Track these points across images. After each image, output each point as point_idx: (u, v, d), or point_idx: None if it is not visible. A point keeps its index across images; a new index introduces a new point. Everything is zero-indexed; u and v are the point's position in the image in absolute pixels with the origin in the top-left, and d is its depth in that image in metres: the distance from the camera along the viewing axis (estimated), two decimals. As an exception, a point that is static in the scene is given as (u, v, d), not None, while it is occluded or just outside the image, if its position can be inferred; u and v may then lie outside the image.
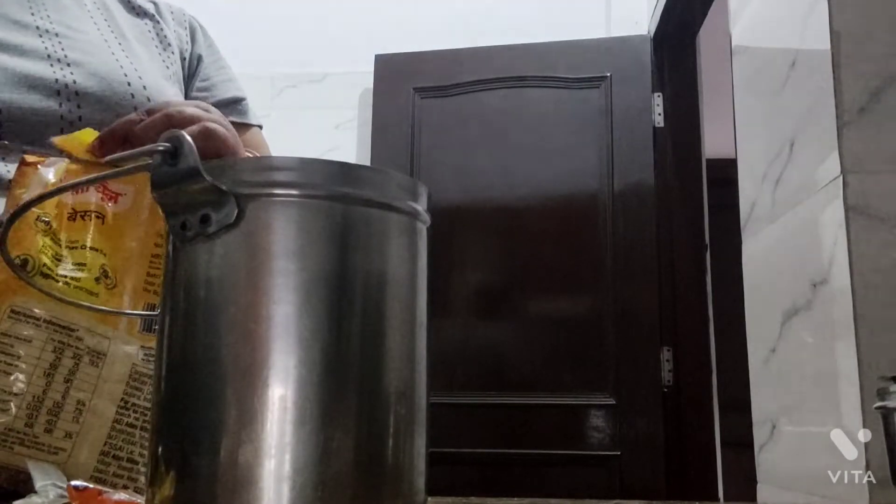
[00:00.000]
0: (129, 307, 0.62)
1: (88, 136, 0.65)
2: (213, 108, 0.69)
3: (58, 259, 0.61)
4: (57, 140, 0.65)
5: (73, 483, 0.48)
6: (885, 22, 0.98)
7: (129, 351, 0.62)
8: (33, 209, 0.60)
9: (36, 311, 0.59)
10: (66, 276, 0.60)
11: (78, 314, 0.60)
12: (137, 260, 0.64)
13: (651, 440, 2.23)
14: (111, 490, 0.49)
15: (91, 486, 0.48)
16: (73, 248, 0.62)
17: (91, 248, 0.62)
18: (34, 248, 0.59)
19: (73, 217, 0.62)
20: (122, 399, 0.61)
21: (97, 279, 0.62)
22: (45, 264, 0.60)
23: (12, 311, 0.59)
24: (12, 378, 0.58)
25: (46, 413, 0.59)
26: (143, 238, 0.64)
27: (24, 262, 0.59)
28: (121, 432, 0.61)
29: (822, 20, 1.00)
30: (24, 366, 0.58)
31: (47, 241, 0.60)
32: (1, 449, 0.58)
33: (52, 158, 0.63)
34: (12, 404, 0.58)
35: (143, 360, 0.62)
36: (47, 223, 0.61)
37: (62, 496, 0.51)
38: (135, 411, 0.61)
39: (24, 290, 0.58)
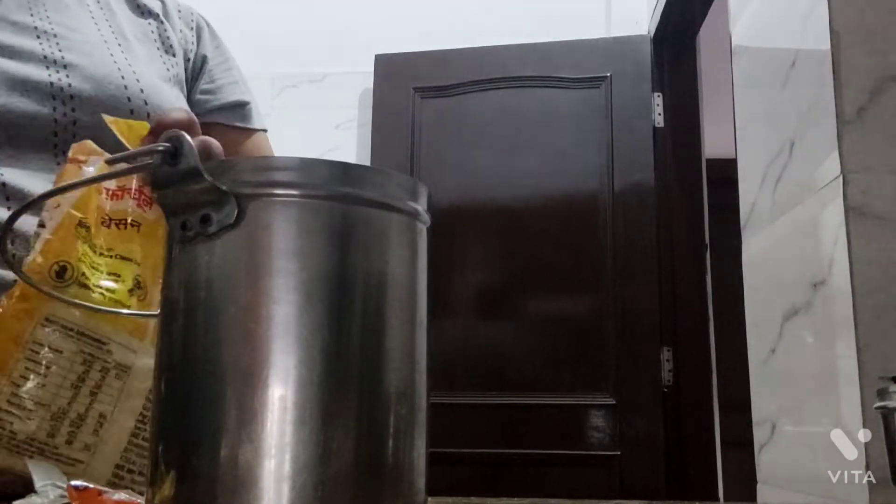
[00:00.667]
0: (154, 324, 0.61)
1: (143, 129, 0.63)
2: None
3: (94, 268, 0.60)
4: (109, 120, 0.64)
5: (73, 483, 0.48)
6: (885, 22, 0.98)
7: (153, 365, 0.62)
8: (75, 213, 0.59)
9: (70, 320, 0.58)
10: (101, 288, 0.59)
11: (109, 327, 0.60)
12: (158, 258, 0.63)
13: (651, 440, 2.23)
14: (111, 490, 0.49)
15: (91, 485, 0.48)
16: (108, 256, 0.61)
17: (124, 258, 0.61)
18: (74, 255, 0.58)
19: (107, 223, 0.61)
20: (140, 413, 0.61)
21: (130, 291, 0.61)
22: (83, 273, 0.59)
23: (47, 319, 0.58)
24: (41, 388, 0.58)
25: (69, 425, 0.58)
26: None
27: (63, 270, 0.58)
28: (136, 447, 0.61)
29: (822, 20, 1.00)
30: (52, 377, 0.58)
31: (86, 248, 0.59)
32: (20, 458, 0.57)
33: (95, 157, 0.62)
34: (37, 414, 0.57)
35: None
36: (87, 229, 0.60)
37: (62, 496, 0.51)
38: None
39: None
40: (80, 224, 0.59)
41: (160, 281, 0.62)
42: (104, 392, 0.59)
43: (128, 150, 0.63)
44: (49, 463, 0.57)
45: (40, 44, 0.79)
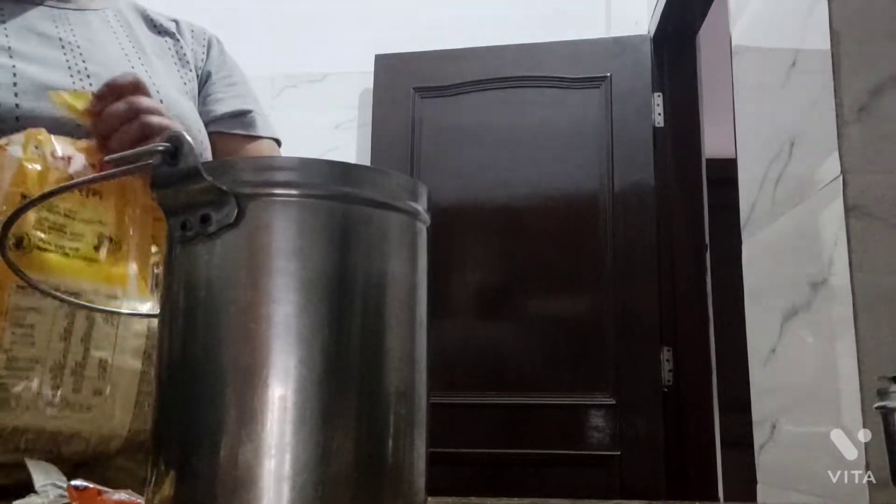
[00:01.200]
0: (134, 271, 0.65)
1: (80, 100, 0.68)
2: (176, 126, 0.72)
3: (57, 229, 0.63)
4: (51, 94, 0.68)
5: (73, 483, 0.48)
6: (885, 22, 0.98)
7: (144, 309, 0.65)
8: (16, 189, 0.62)
9: (42, 282, 0.61)
10: (63, 247, 0.62)
11: (82, 279, 0.63)
12: (141, 225, 0.67)
13: (651, 440, 2.23)
14: (111, 490, 0.49)
15: (91, 485, 0.48)
16: (71, 217, 0.64)
17: (87, 222, 0.64)
18: (27, 225, 0.61)
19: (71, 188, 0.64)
20: (145, 352, 0.64)
21: (96, 248, 0.64)
22: (41, 239, 0.61)
23: (18, 285, 0.60)
24: (31, 347, 0.60)
25: (71, 374, 0.61)
26: (146, 204, 0.67)
27: (20, 241, 0.61)
28: (150, 384, 0.63)
29: (822, 20, 1.00)
30: (39, 334, 0.61)
31: (42, 213, 0.62)
32: (33, 414, 0.60)
33: (15, 136, 0.65)
34: (34, 372, 0.60)
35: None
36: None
37: (62, 496, 0.51)
38: None
39: (27, 265, 0.60)
40: (24, 196, 0.62)
41: (137, 236, 0.66)
42: (97, 339, 0.62)
43: (74, 120, 0.68)
44: (63, 414, 0.60)
45: (64, 53, 0.83)
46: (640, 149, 2.38)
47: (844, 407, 0.93)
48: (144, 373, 0.64)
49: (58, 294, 0.59)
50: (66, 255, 0.62)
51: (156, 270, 0.67)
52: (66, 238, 0.63)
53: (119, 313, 0.64)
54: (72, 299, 0.59)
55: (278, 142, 1.01)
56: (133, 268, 0.65)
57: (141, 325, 0.64)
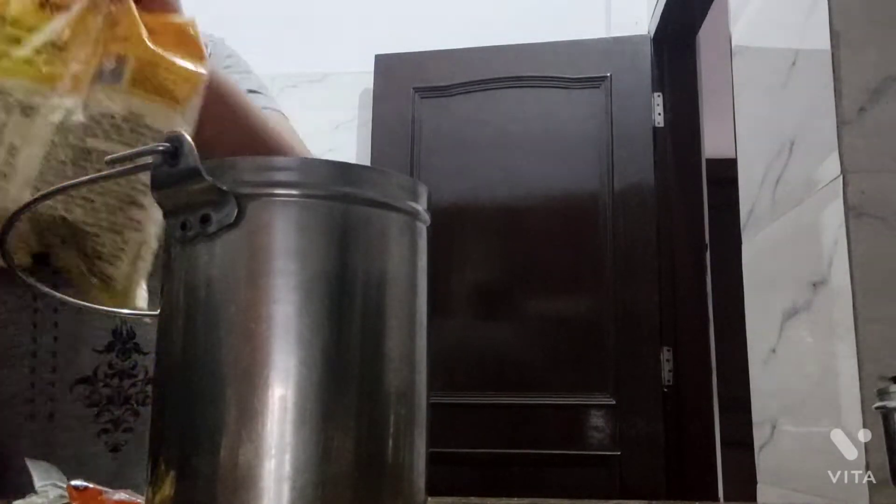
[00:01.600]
0: (78, 70, 0.67)
1: None
2: None
3: (9, 40, 0.65)
4: None
5: (73, 483, 0.48)
6: (885, 22, 0.98)
7: (65, 104, 0.66)
8: None
9: None
10: (7, 51, 0.65)
11: (13, 80, 0.65)
12: (96, 37, 0.68)
13: (651, 440, 2.23)
14: (111, 490, 0.49)
15: (91, 485, 0.48)
16: (26, 28, 0.66)
17: (41, 31, 0.66)
18: None
19: (45, 7, 0.66)
20: (50, 142, 0.66)
21: (38, 51, 0.65)
22: None
23: None
24: None
25: None
26: (109, 14, 0.68)
27: None
28: (51, 168, 0.66)
29: (822, 20, 1.00)
30: None
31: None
32: None
33: None
34: None
35: (82, 109, 0.66)
36: None
37: (62, 496, 0.51)
38: (65, 153, 0.66)
39: None
40: None
41: (84, 42, 0.66)
42: (12, 129, 0.65)
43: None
44: None
45: None
46: (640, 149, 2.38)
47: (844, 407, 0.93)
48: (46, 158, 0.66)
49: (73, 300, 0.58)
50: (9, 57, 0.64)
51: (106, 64, 0.68)
52: (13, 47, 0.65)
53: (120, 313, 0.63)
54: (66, 297, 0.59)
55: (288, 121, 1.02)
56: (73, 67, 0.66)
57: (56, 117, 0.66)
